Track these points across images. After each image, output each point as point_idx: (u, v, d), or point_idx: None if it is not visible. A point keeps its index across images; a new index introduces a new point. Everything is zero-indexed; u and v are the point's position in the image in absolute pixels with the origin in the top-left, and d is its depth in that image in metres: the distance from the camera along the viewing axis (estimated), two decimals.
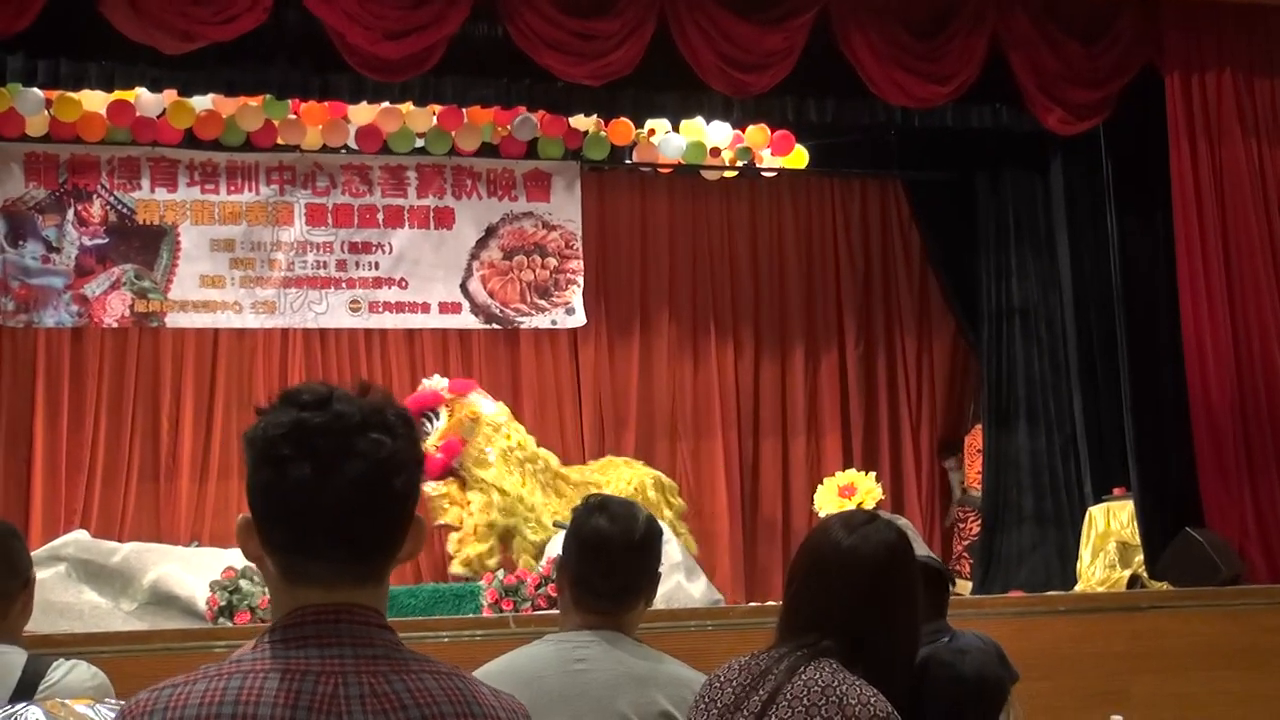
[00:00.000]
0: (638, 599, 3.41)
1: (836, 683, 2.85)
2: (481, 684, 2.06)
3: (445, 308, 11.34)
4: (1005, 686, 3.23)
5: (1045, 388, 11.50)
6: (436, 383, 10.28)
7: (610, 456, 11.04)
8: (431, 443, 9.92)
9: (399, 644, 2.01)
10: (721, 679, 3.02)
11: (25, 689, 3.35)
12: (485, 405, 10.21)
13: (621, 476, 10.53)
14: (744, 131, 11.78)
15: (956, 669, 3.14)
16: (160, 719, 1.88)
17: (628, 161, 11.87)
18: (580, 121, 11.32)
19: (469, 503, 10.00)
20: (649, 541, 3.42)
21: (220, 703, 1.88)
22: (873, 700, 2.82)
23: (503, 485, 9.98)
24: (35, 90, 10.19)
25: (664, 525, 8.88)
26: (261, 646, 1.96)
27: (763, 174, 12.26)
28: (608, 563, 3.35)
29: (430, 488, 9.67)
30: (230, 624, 8.84)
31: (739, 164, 11.99)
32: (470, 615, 9.14)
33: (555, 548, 10.04)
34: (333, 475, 1.92)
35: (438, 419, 10.04)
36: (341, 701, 1.90)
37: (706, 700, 3.02)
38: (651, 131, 11.61)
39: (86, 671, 3.45)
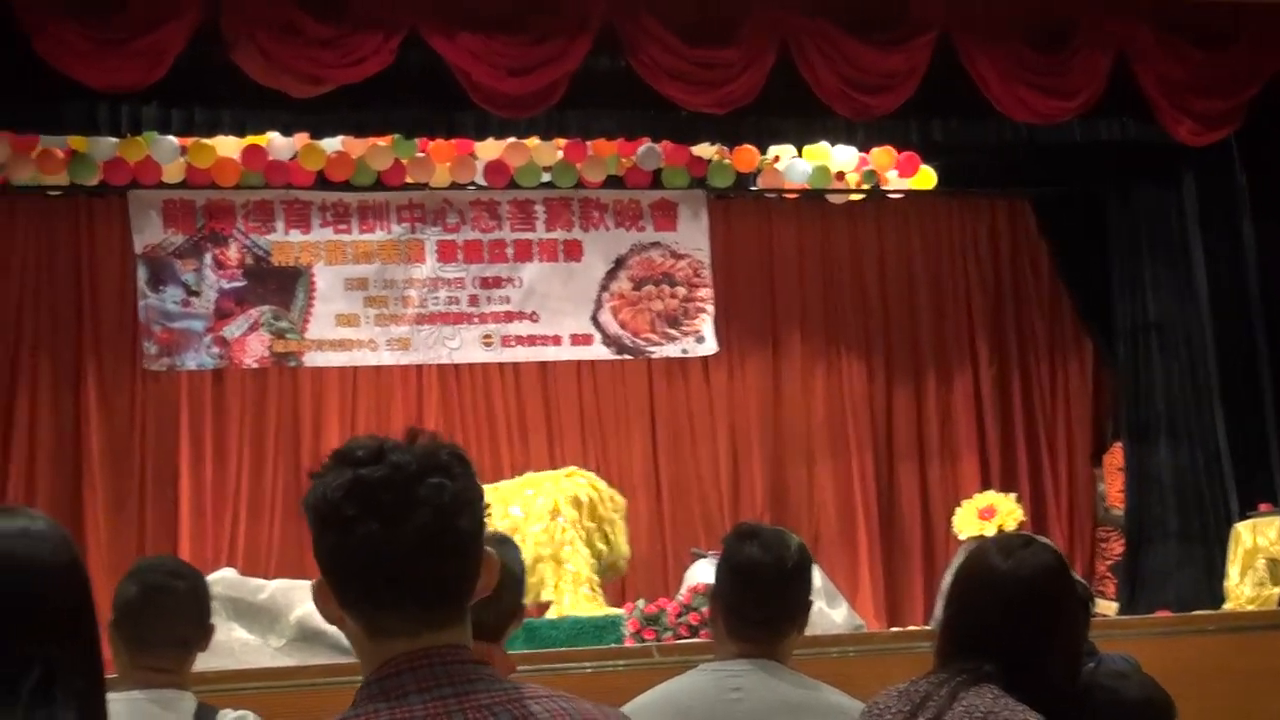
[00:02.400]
0: (791, 627, 3.42)
1: (999, 708, 2.83)
2: (584, 701, 2.06)
3: (577, 339, 11.40)
4: (1172, 710, 3.19)
5: (1186, 402, 11.29)
6: None
7: (530, 473, 10.71)
8: None
9: (495, 675, 2.02)
10: (881, 706, 3.01)
11: None
12: None
13: (542, 491, 10.22)
14: (869, 154, 11.73)
15: (1120, 694, 3.10)
16: None
17: (752, 188, 11.86)
18: (704, 150, 11.33)
19: None
20: (801, 569, 3.42)
21: None
22: None
23: None
24: (170, 138, 10.42)
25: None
26: (361, 702, 1.98)
27: (889, 196, 12.19)
28: (761, 591, 3.36)
29: None
30: None
31: (865, 187, 11.94)
32: (613, 645, 9.15)
33: (695, 575, 10.04)
34: (400, 527, 1.94)
35: None
36: None
37: None
38: (776, 158, 11.59)
39: None
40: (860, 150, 11.65)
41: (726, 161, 11.41)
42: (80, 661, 2.20)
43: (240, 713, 3.63)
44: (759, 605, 3.37)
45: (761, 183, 11.76)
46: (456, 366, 11.46)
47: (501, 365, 11.55)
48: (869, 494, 12.16)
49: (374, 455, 1.98)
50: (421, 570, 1.96)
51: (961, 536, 10.59)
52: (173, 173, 10.62)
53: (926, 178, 11.92)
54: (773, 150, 11.50)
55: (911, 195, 12.21)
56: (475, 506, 2.01)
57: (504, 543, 3.57)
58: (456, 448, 2.03)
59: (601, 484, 10.34)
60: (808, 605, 3.46)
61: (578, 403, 11.77)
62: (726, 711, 3.27)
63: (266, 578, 10.04)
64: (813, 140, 11.31)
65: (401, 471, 1.96)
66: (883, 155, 11.71)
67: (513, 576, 3.34)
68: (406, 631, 1.98)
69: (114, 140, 10.31)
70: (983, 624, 2.95)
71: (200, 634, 3.69)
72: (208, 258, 10.78)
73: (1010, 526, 10.53)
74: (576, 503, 9.89)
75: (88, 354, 10.92)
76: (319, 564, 2.02)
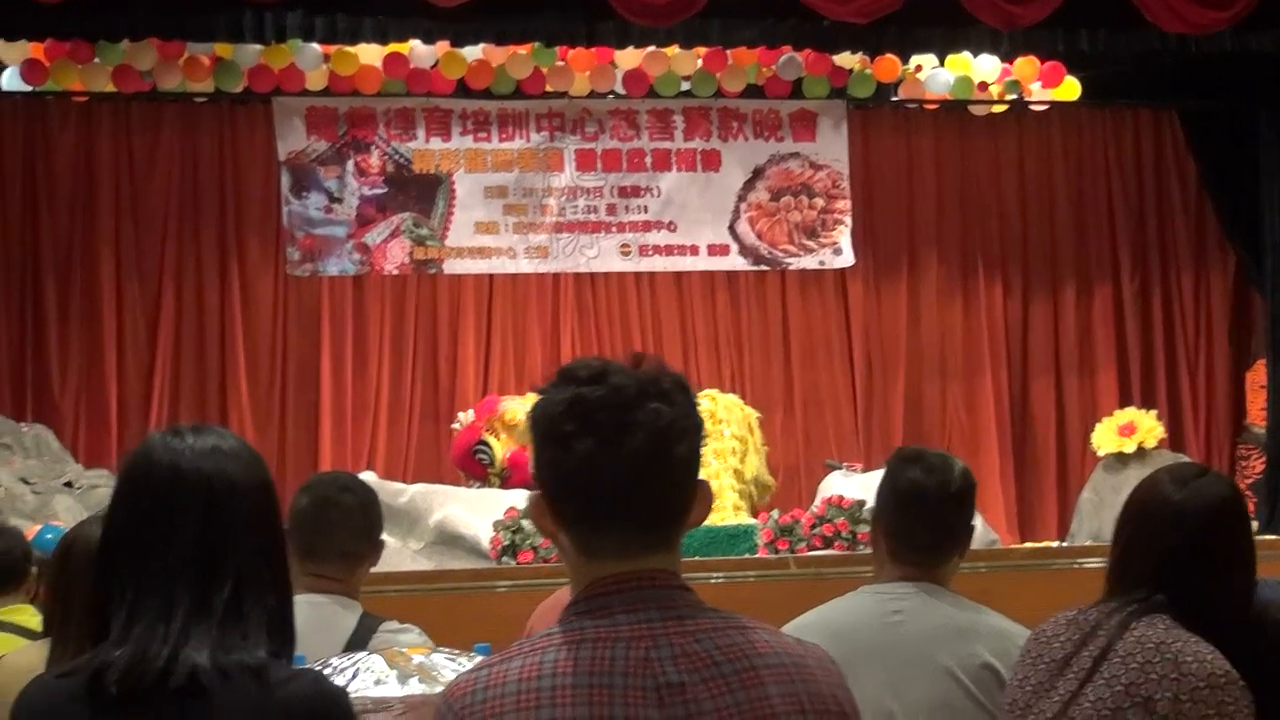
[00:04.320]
0: (953, 551, 3.42)
1: (1170, 639, 2.81)
2: (786, 635, 2.08)
3: (714, 250, 11.37)
4: None
5: None
6: (466, 419, 10.31)
7: None
8: (499, 470, 9.98)
9: (701, 603, 2.04)
10: (1049, 634, 3.00)
11: (357, 644, 3.49)
12: (515, 406, 10.17)
13: None
14: (1013, 65, 11.52)
15: None
16: (482, 696, 1.96)
17: (894, 99, 11.71)
18: (845, 59, 11.19)
19: None
20: (965, 493, 3.41)
21: (538, 676, 1.95)
22: (1209, 657, 2.78)
23: None
24: (314, 46, 10.48)
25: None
26: (568, 619, 2.02)
27: (1032, 108, 11.99)
28: (924, 515, 3.36)
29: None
30: (514, 563, 9.08)
31: (1008, 98, 11.73)
32: (746, 556, 9.21)
33: (829, 488, 10.06)
34: (615, 448, 1.97)
35: (489, 448, 10.07)
36: (655, 664, 1.95)
37: (1034, 655, 3.00)
38: (918, 68, 11.42)
39: (418, 637, 3.59)
40: (1004, 61, 11.45)
41: (868, 71, 11.26)
42: (270, 578, 2.27)
43: (404, 625, 3.71)
44: (922, 529, 3.37)
45: (903, 93, 11.60)
46: (593, 275, 11.51)
47: (638, 275, 11.58)
48: (1003, 409, 12.08)
49: (596, 375, 2.01)
50: (635, 493, 1.99)
51: (1100, 453, 10.49)
52: (316, 80, 10.70)
53: (1071, 89, 11.69)
54: (915, 60, 11.33)
55: (1055, 107, 11.99)
56: (693, 435, 2.03)
57: None
58: (679, 375, 2.05)
59: (735, 399, 10.40)
60: (970, 530, 3.45)
61: (712, 313, 11.78)
62: (889, 634, 3.28)
63: (405, 482, 10.23)
64: (956, 50, 11.12)
65: (620, 393, 1.99)
66: (1027, 66, 11.49)
67: None
68: (618, 553, 2.01)
69: (259, 48, 10.40)
70: (1156, 554, 2.93)
71: (369, 548, 3.78)
72: (350, 165, 10.87)
73: (1150, 444, 10.42)
74: (713, 418, 9.94)
75: (231, 259, 11.12)
76: (537, 478, 2.06)
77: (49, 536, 5.11)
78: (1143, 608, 2.87)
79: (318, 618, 3.52)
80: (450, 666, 2.91)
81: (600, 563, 2.02)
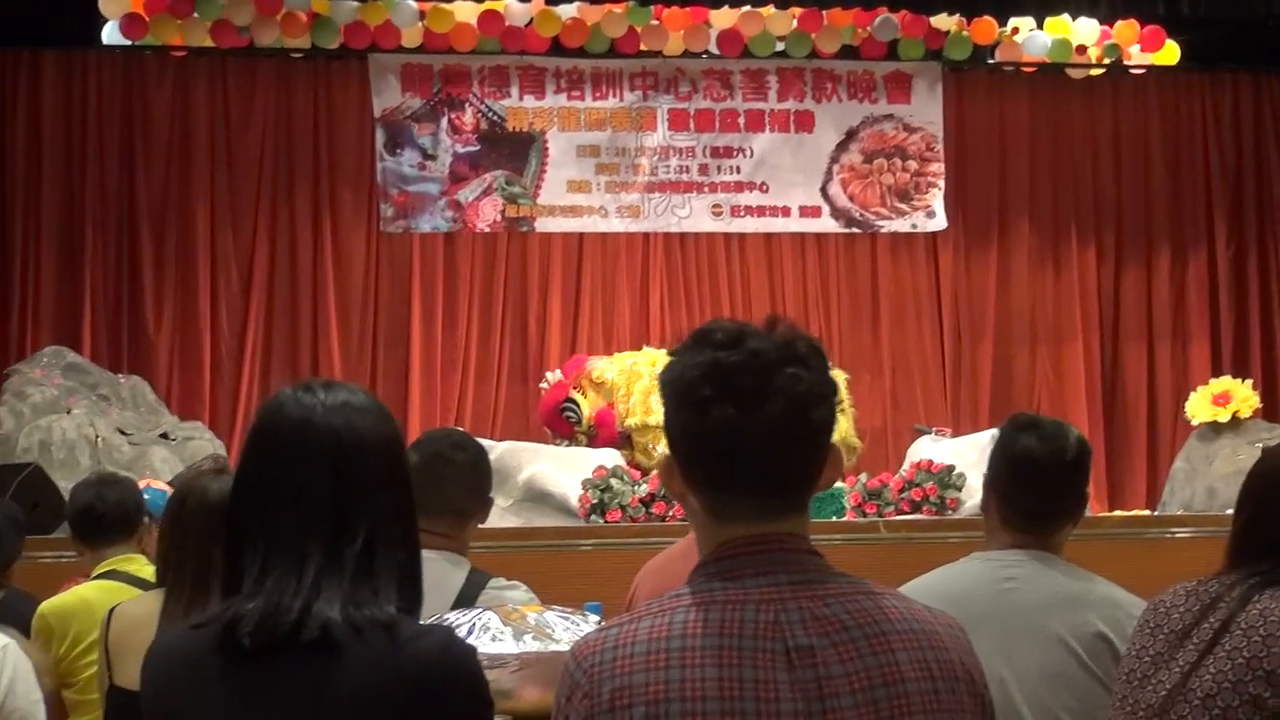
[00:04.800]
0: (1067, 519, 3.39)
1: None
2: (915, 601, 2.07)
3: (805, 211, 11.33)
4: None
5: None
6: (553, 377, 10.29)
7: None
8: (586, 428, 9.97)
9: (830, 567, 2.03)
10: (1168, 604, 2.97)
11: (465, 600, 3.51)
12: (602, 365, 10.15)
13: None
14: (1112, 27, 11.39)
15: None
16: (610, 656, 1.96)
17: (990, 61, 11.60)
18: (942, 21, 11.12)
19: (656, 452, 9.94)
20: (1080, 462, 3.38)
21: (667, 637, 1.95)
22: None
23: None
24: (410, 2, 10.56)
25: None
26: (697, 580, 2.02)
27: (1130, 71, 11.84)
28: (1038, 482, 3.33)
29: (621, 458, 9.68)
30: (602, 521, 9.09)
31: (1106, 61, 11.60)
32: (834, 519, 9.18)
33: (918, 452, 10.01)
34: (755, 414, 1.96)
35: (577, 406, 10.05)
36: (784, 627, 1.95)
37: (1152, 625, 2.96)
38: (1015, 30, 11.32)
39: (525, 594, 3.61)
40: (1103, 23, 11.33)
41: (965, 33, 11.17)
42: (400, 534, 2.28)
43: (512, 582, 3.72)
44: (1036, 497, 3.34)
45: (999, 55, 11.51)
46: (683, 236, 11.50)
47: (727, 236, 11.55)
48: (1094, 377, 11.98)
49: (733, 339, 1.99)
50: (771, 458, 1.98)
51: (1194, 422, 10.37)
52: (411, 37, 10.74)
53: (1171, 52, 11.54)
54: (1012, 22, 11.25)
55: (1153, 71, 11.85)
56: (829, 400, 2.02)
57: None
58: (813, 339, 2.04)
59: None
60: (1085, 498, 3.42)
61: (801, 275, 11.75)
62: (1001, 601, 3.26)
63: (493, 439, 10.27)
64: (1054, 12, 11.05)
65: (759, 359, 1.97)
66: (1126, 29, 11.37)
67: None
68: (749, 516, 2.01)
69: (355, 4, 10.49)
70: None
71: (479, 505, 3.79)
72: (444, 122, 10.92)
73: (1245, 414, 10.27)
74: None
75: (324, 214, 11.19)
76: (669, 440, 2.05)
77: (144, 498, 5.15)
78: (1265, 580, 2.83)
79: (428, 574, 3.53)
80: (564, 624, 2.93)
81: (731, 525, 2.01)
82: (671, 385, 2.02)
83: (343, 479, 2.23)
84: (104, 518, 4.83)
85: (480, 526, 3.95)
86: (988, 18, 11.02)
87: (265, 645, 2.13)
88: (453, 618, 2.89)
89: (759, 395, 1.96)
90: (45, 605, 4.66)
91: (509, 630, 2.88)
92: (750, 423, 1.96)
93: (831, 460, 2.04)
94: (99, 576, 4.75)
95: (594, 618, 3.00)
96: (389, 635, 2.15)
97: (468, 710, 2.21)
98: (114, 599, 4.29)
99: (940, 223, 11.49)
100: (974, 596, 3.27)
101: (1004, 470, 3.39)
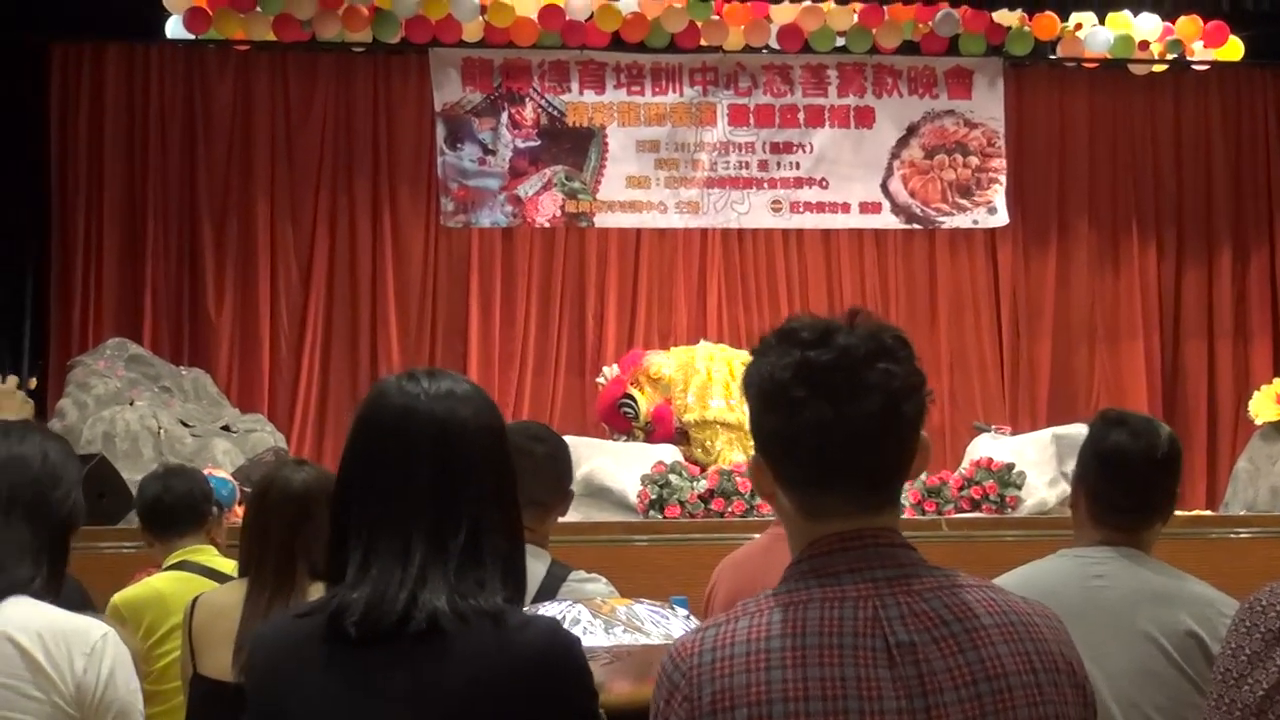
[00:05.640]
0: (1157, 517, 3.36)
1: None
2: (1011, 593, 2.05)
3: (865, 207, 11.29)
4: None
5: None
6: (610, 373, 10.26)
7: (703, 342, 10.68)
8: (643, 424, 9.95)
9: (923, 561, 2.02)
10: (1264, 603, 2.92)
11: (546, 593, 3.50)
12: (660, 360, 10.12)
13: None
14: (1174, 23, 11.31)
15: None
16: (710, 658, 1.95)
17: (1051, 57, 11.53)
18: (1004, 16, 11.06)
19: (714, 448, 9.91)
20: (1171, 459, 3.35)
21: (767, 637, 1.94)
22: None
23: (728, 417, 9.85)
24: None
25: None
26: (792, 579, 2.00)
27: (1192, 68, 11.75)
28: (1128, 479, 3.30)
29: (679, 454, 9.67)
30: (660, 517, 9.10)
31: (1168, 57, 11.52)
32: None
33: (976, 450, 9.96)
34: (850, 411, 1.94)
35: (634, 402, 10.03)
36: (883, 624, 1.93)
37: (1248, 625, 2.92)
38: (1078, 25, 11.25)
39: (605, 586, 3.60)
40: (1165, 19, 11.26)
41: (1026, 28, 11.11)
42: (503, 522, 2.28)
43: (592, 575, 3.71)
44: (1126, 494, 3.31)
45: (1061, 51, 11.44)
46: (740, 231, 11.48)
47: (785, 232, 11.53)
48: (1154, 375, 11.90)
49: (820, 336, 1.97)
50: (865, 454, 1.97)
51: (1258, 421, 10.28)
52: (472, 31, 10.76)
53: (1234, 48, 11.45)
54: (1074, 17, 11.18)
55: (1216, 66, 11.75)
56: (920, 391, 2.00)
57: None
58: (898, 331, 2.02)
59: None
60: (1175, 496, 3.40)
61: (859, 271, 11.71)
62: (1092, 597, 3.23)
63: None
64: (1116, 8, 10.99)
65: (850, 355, 1.96)
66: (1189, 25, 11.29)
67: None
68: (842, 513, 1.99)
69: None
70: None
71: (559, 498, 3.78)
72: (504, 117, 10.93)
73: None
74: None
75: (383, 208, 11.23)
76: (756, 441, 2.03)
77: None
78: None
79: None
80: (654, 618, 2.92)
81: (824, 522, 2.00)
82: (760, 386, 2.00)
83: (445, 467, 2.23)
84: (172, 509, 4.87)
85: None
86: (1050, 13, 10.96)
87: (371, 634, 2.13)
88: (546, 610, 2.88)
89: (853, 392, 1.94)
90: (118, 596, 4.70)
91: (599, 623, 2.86)
92: (845, 420, 1.94)
93: (921, 450, 2.02)
94: (170, 568, 4.79)
95: (682, 611, 2.99)
96: (496, 624, 2.15)
97: (574, 699, 2.20)
98: (186, 590, 4.33)
99: (1002, 219, 11.43)
100: (1062, 593, 3.24)
101: (1093, 466, 3.36)
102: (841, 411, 1.94)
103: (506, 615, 2.17)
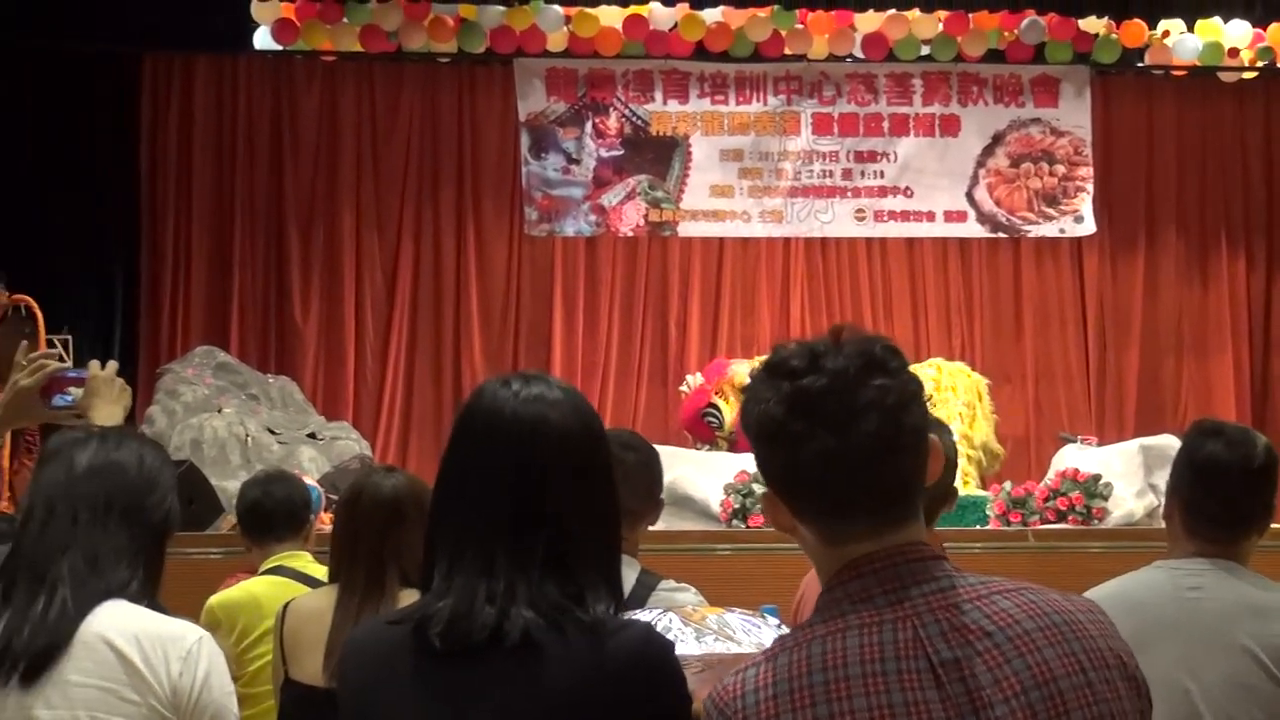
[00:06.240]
0: (1253, 529, 3.31)
1: None
2: (1049, 591, 1.99)
3: (951, 216, 11.22)
4: None
5: None
6: (694, 381, 10.20)
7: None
8: (727, 434, 9.89)
9: (955, 568, 1.97)
10: None
11: (636, 602, 3.49)
12: (744, 370, 10.05)
13: None
14: (1265, 30, 11.17)
15: None
16: (753, 700, 1.90)
17: (1139, 64, 11.42)
18: (1090, 24, 10.97)
19: None
20: (1268, 469, 3.30)
21: (809, 672, 1.89)
22: None
23: None
24: (556, 7, 10.63)
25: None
26: (825, 609, 1.96)
27: None
28: (1224, 490, 3.25)
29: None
30: (744, 527, 9.07)
31: (1259, 64, 11.36)
32: (977, 527, 9.08)
33: (1062, 461, 9.86)
34: (850, 435, 1.90)
35: (719, 411, 9.97)
36: (925, 643, 1.88)
37: None
38: (1165, 33, 11.14)
39: (694, 596, 3.59)
40: (1256, 26, 11.12)
41: (1113, 36, 11.01)
42: (597, 528, 2.25)
43: (681, 584, 3.70)
44: (1222, 505, 3.26)
45: (1149, 59, 11.32)
46: (823, 240, 11.45)
47: (869, 241, 11.49)
48: (1243, 387, 11.76)
49: (809, 363, 1.93)
50: (876, 473, 1.92)
51: None
52: (556, 41, 10.81)
53: None
54: (1162, 24, 11.06)
55: None
56: (918, 399, 1.96)
57: (941, 428, 3.57)
58: (887, 340, 1.98)
59: (961, 366, 10.24)
60: (1272, 507, 3.34)
61: (944, 280, 11.65)
62: (1186, 609, 3.19)
63: None
64: (1206, 15, 10.87)
65: (842, 378, 1.91)
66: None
67: (949, 460, 3.33)
68: (865, 535, 1.94)
69: (501, 9, 10.56)
70: None
71: (650, 506, 3.77)
72: (588, 126, 10.97)
73: None
74: (938, 387, 9.80)
75: (468, 217, 11.30)
76: (766, 478, 2.00)
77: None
78: None
79: None
80: (745, 626, 2.90)
81: (849, 547, 1.95)
82: (758, 426, 1.96)
83: (531, 472, 2.21)
84: (271, 515, 4.90)
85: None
86: (1137, 20, 10.86)
87: (457, 646, 2.13)
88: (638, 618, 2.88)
89: (850, 415, 1.90)
90: (214, 598, 4.74)
91: (690, 631, 2.85)
92: (848, 445, 1.90)
93: (932, 455, 1.97)
94: (266, 572, 4.82)
95: (773, 620, 2.97)
96: (589, 632, 2.13)
97: (670, 704, 2.19)
98: (281, 594, 4.36)
99: (1089, 227, 11.33)
100: (1156, 605, 3.21)
101: (1188, 477, 3.32)
102: (843, 437, 1.90)
103: (600, 621, 2.15)
